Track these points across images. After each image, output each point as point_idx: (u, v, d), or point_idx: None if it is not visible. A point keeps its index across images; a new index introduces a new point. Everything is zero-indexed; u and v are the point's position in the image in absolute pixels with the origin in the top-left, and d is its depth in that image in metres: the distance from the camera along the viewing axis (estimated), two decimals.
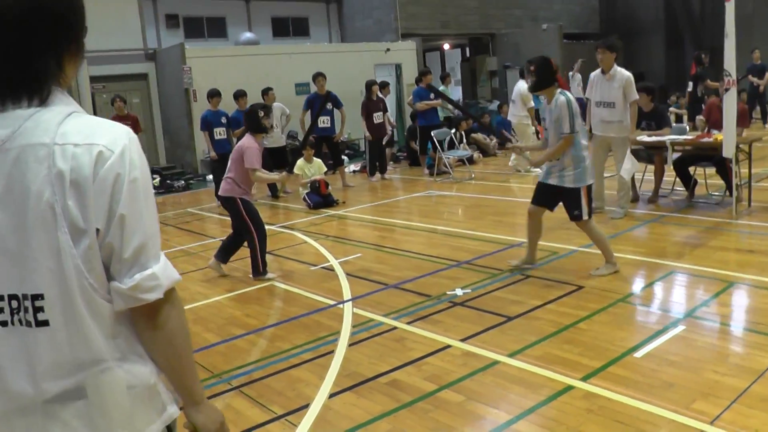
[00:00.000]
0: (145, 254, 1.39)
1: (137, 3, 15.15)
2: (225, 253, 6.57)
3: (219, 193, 6.46)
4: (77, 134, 1.34)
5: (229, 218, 6.65)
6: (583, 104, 6.90)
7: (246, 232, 6.26)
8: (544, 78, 5.42)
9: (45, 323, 1.34)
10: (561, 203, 5.56)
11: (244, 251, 6.43)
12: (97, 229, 1.34)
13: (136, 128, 10.87)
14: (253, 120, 6.31)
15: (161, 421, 1.48)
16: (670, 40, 21.65)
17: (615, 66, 7.33)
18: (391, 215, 9.07)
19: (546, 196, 5.60)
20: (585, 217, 5.42)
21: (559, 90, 5.42)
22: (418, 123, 12.90)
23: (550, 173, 5.51)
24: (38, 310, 1.33)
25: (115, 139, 1.37)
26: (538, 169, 11.23)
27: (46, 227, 1.31)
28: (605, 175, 7.94)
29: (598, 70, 7.50)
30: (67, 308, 1.34)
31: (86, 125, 1.37)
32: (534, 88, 5.63)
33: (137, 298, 1.38)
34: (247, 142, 6.24)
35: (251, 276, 6.33)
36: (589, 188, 5.43)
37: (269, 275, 6.30)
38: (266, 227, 6.48)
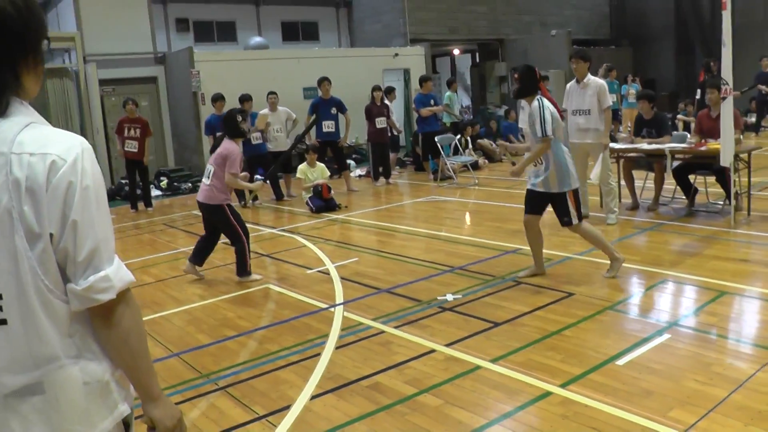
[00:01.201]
0: (98, 257, 1.46)
1: (147, 7, 15.29)
2: (199, 256, 6.62)
3: (200, 199, 6.39)
4: (33, 144, 1.41)
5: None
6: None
7: (236, 236, 6.31)
8: (528, 85, 5.49)
9: (3, 322, 1.42)
10: (548, 207, 5.64)
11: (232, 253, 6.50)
12: (51, 234, 1.41)
13: (146, 131, 11.01)
14: (232, 124, 6.30)
15: (113, 417, 1.54)
16: (681, 46, 21.58)
17: (589, 75, 7.54)
18: (392, 220, 9.11)
19: (536, 201, 5.64)
20: (575, 221, 5.48)
21: (537, 96, 5.45)
22: (418, 129, 12.97)
23: (536, 178, 5.56)
24: None
25: (68, 148, 1.44)
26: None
27: (3, 231, 1.39)
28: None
29: (574, 80, 7.71)
30: (24, 308, 1.42)
31: (42, 135, 1.44)
32: (516, 95, 5.68)
33: (91, 299, 1.45)
34: (230, 147, 6.24)
35: (237, 277, 6.41)
36: (575, 193, 5.48)
37: (255, 276, 6.40)
38: (269, 230, 6.60)
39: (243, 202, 10.84)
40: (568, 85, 7.80)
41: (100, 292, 1.45)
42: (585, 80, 7.49)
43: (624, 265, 5.91)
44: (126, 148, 11.14)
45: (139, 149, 11.12)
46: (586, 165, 7.81)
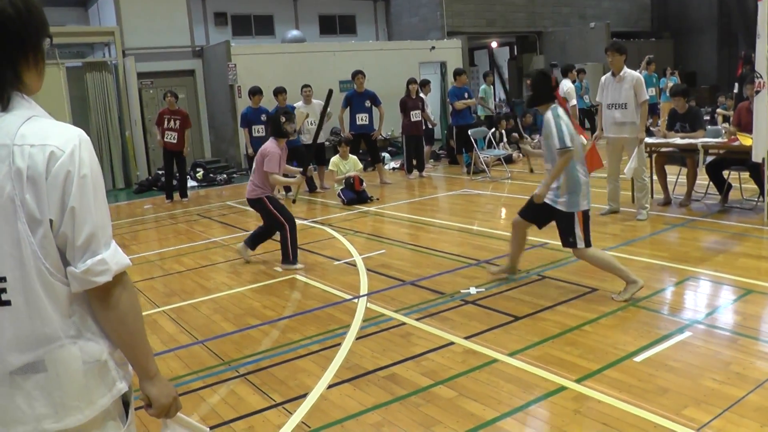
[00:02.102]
0: (95, 242, 1.55)
1: (186, 2, 15.55)
2: (253, 240, 6.94)
3: (246, 196, 6.80)
4: (33, 136, 1.51)
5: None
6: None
7: (278, 225, 6.56)
8: (541, 93, 5.11)
9: (8, 303, 1.52)
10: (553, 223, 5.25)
11: (272, 244, 6.61)
12: (51, 220, 1.51)
13: (185, 123, 11.23)
14: (275, 125, 6.63)
15: (111, 395, 1.64)
16: (723, 38, 21.11)
17: (625, 68, 7.41)
18: (423, 213, 9.14)
19: (536, 212, 5.26)
20: (580, 245, 4.99)
21: (551, 106, 5.05)
22: (452, 122, 12.96)
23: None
24: (1, 291, 1.51)
25: (66, 140, 1.53)
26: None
27: (7, 218, 1.49)
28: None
29: (609, 73, 7.59)
30: (27, 290, 1.52)
31: (42, 128, 1.54)
32: (529, 104, 5.32)
33: (89, 281, 1.54)
34: (269, 146, 6.57)
35: (281, 264, 6.60)
36: (585, 214, 4.99)
37: (298, 265, 6.54)
38: (301, 221, 6.80)
39: (290, 195, 11.05)
40: (603, 78, 7.71)
41: (97, 275, 1.54)
42: (621, 73, 7.39)
43: (650, 260, 5.87)
44: (165, 139, 11.38)
45: (179, 140, 11.35)
46: (620, 159, 7.73)
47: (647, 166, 7.71)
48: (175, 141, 11.35)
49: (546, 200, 5.08)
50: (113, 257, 1.58)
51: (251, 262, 6.91)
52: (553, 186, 5.03)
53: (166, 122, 11.33)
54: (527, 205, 5.37)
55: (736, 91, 12.57)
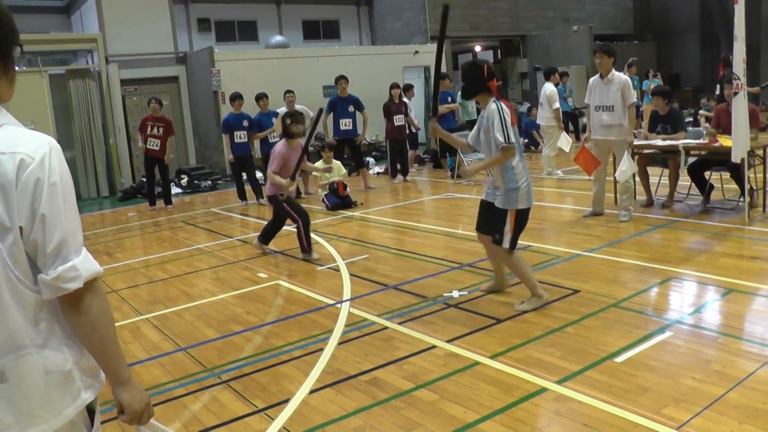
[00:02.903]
0: (65, 249, 1.54)
1: (169, 8, 15.51)
2: (265, 236, 7.51)
3: (266, 193, 7.33)
4: (4, 143, 1.51)
5: (247, 218, 6.84)
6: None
7: (292, 219, 7.03)
8: (473, 84, 4.91)
9: None
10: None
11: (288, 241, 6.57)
12: (21, 227, 1.50)
13: (169, 130, 11.18)
14: (282, 126, 7.18)
15: (76, 405, 1.62)
16: (706, 40, 21.31)
17: (613, 70, 7.44)
18: (406, 217, 9.15)
19: (487, 218, 5.16)
20: (505, 245, 4.87)
21: (492, 98, 4.86)
22: None
23: (488, 189, 5.17)
24: None
25: (36, 147, 1.53)
26: (559, 172, 11.36)
27: None
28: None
29: (597, 75, 7.62)
30: None
31: (13, 136, 1.54)
32: (463, 95, 5.18)
33: (60, 288, 1.54)
34: (277, 147, 7.09)
35: (301, 254, 7.07)
36: (518, 214, 4.86)
37: (314, 255, 7.00)
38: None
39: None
40: (591, 80, 7.72)
41: (68, 282, 1.53)
42: (609, 76, 7.40)
43: (632, 261, 5.91)
44: (148, 146, 11.32)
45: (161, 147, 11.30)
46: (607, 162, 7.75)
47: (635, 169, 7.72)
48: (158, 148, 11.30)
49: (489, 199, 5.10)
50: (84, 264, 1.57)
51: (231, 270, 6.88)
52: (492, 185, 5.04)
53: (149, 129, 11.28)
54: (478, 216, 5.29)
55: (717, 92, 12.69)
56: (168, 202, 11.87)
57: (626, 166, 7.22)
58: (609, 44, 8.08)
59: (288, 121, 7.01)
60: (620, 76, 7.42)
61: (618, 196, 7.78)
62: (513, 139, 4.75)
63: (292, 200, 7.08)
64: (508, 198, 4.87)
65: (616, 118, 7.35)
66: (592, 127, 7.63)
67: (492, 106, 4.83)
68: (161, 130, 11.26)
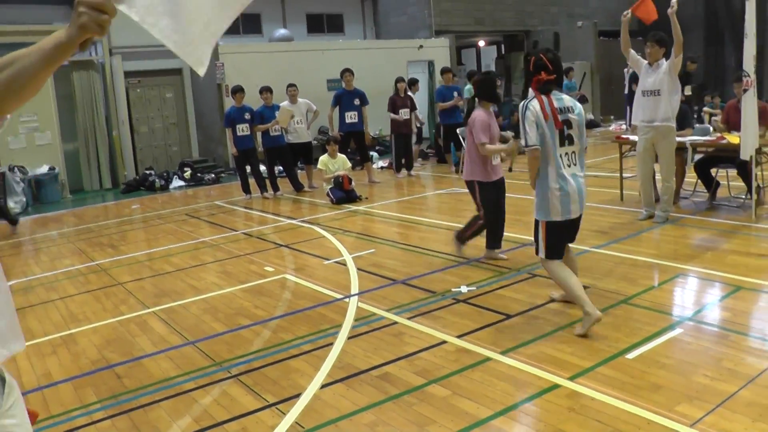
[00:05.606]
0: None
1: None
2: (492, 238, 6.32)
3: (465, 177, 6.34)
4: None
5: (251, 211, 6.81)
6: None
7: (477, 209, 6.27)
8: (528, 80, 4.62)
9: None
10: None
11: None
12: None
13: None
14: (483, 89, 6.17)
15: None
16: (710, 37, 21.23)
17: (663, 60, 7.17)
18: (412, 212, 9.14)
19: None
20: (540, 255, 4.55)
21: (531, 96, 4.46)
22: (440, 121, 12.98)
23: None
24: None
25: None
26: None
27: None
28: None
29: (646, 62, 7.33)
30: None
31: None
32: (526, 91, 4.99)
33: None
34: (477, 115, 6.04)
35: (455, 241, 6.51)
36: (550, 227, 4.47)
37: (462, 248, 6.45)
38: (289, 221, 6.90)
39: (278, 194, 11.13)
40: (643, 65, 7.43)
41: None
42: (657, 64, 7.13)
43: (641, 258, 5.89)
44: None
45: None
46: (653, 161, 7.40)
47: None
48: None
49: None
50: None
51: (238, 263, 6.87)
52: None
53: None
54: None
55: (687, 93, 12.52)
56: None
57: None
58: (661, 33, 7.81)
59: (499, 83, 5.93)
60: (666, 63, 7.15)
61: (661, 196, 7.49)
62: (532, 142, 4.33)
63: (486, 193, 6.15)
64: (539, 206, 4.49)
65: (662, 104, 7.03)
66: (635, 112, 7.35)
67: (521, 105, 4.48)
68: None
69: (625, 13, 7.38)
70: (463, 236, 6.43)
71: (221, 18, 1.63)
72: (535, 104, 4.35)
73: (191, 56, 1.58)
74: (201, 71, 1.60)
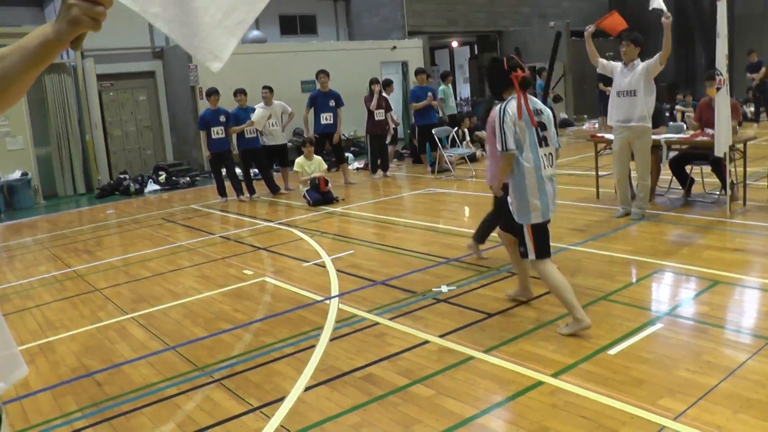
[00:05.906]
0: None
1: None
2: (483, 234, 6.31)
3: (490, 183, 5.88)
4: None
5: (228, 215, 6.75)
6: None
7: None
8: (496, 83, 4.47)
9: None
10: None
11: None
12: None
13: None
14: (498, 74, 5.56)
15: None
16: (680, 37, 21.52)
17: (639, 60, 7.23)
18: (389, 212, 9.14)
19: (505, 216, 4.76)
20: (531, 257, 4.45)
21: (511, 96, 4.36)
22: (415, 122, 13.01)
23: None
24: None
25: None
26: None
27: None
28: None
29: (620, 63, 7.39)
30: None
31: None
32: (492, 94, 4.61)
33: None
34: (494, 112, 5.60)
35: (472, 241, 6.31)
36: (535, 229, 4.41)
37: (478, 250, 6.25)
38: (266, 223, 6.72)
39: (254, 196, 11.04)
40: (618, 67, 7.48)
41: None
42: (633, 63, 7.20)
43: (618, 255, 5.94)
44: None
45: None
46: (629, 159, 7.45)
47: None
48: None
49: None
50: None
51: (215, 267, 6.81)
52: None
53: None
54: (494, 210, 4.95)
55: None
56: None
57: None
58: (636, 33, 7.86)
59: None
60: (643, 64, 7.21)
61: (637, 194, 7.58)
62: (510, 146, 4.26)
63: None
64: (519, 210, 4.42)
65: (638, 104, 7.08)
66: (610, 113, 7.40)
67: (495, 108, 4.38)
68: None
69: (587, 27, 7.42)
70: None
71: (248, 4, 1.43)
72: (512, 106, 4.28)
73: (199, 50, 1.42)
74: (214, 66, 1.43)
